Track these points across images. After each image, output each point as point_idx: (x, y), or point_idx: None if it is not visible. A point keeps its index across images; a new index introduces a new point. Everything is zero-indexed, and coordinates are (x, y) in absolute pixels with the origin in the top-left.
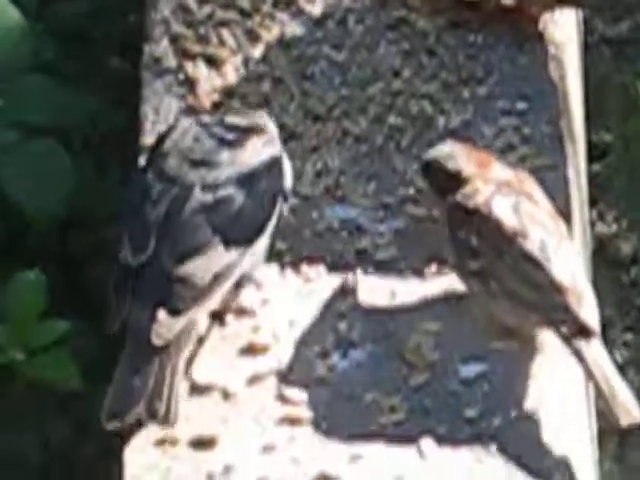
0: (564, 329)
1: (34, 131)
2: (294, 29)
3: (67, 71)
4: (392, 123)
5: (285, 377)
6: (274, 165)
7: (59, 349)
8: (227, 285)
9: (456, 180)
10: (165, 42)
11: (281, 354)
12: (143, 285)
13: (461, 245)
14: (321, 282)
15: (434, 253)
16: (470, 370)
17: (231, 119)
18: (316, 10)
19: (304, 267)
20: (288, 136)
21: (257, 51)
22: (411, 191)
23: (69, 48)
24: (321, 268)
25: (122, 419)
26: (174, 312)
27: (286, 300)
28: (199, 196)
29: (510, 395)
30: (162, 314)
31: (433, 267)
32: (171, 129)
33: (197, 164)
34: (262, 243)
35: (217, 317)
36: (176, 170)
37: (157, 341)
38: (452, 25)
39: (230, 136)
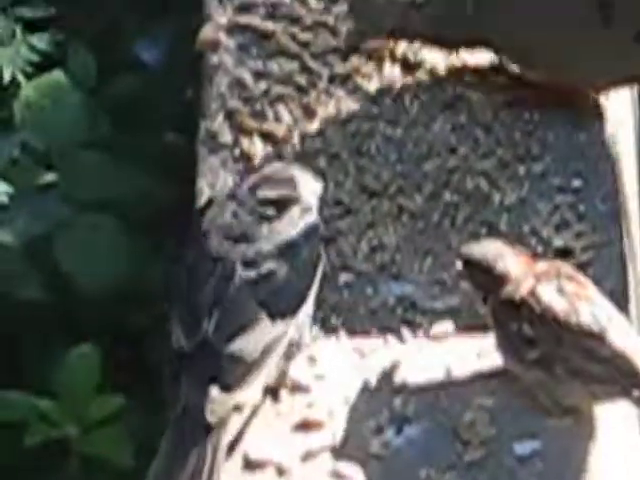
0: (637, 393)
1: (88, 206)
2: (350, 105)
3: (122, 146)
4: (447, 200)
5: (339, 453)
6: (312, 233)
7: (113, 425)
8: (276, 358)
9: (501, 280)
10: (221, 117)
11: (336, 430)
12: (196, 366)
13: (515, 338)
14: (376, 357)
15: (489, 329)
16: (525, 447)
17: (264, 192)
18: (372, 86)
19: (359, 342)
20: (344, 212)
21: (313, 127)
22: None
23: (124, 123)
24: (376, 343)
25: None
26: (226, 389)
27: (341, 376)
28: (242, 273)
29: (566, 473)
30: (215, 391)
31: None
32: (207, 206)
33: (237, 240)
34: (306, 310)
35: (271, 392)
36: (218, 248)
37: (211, 418)
38: (508, 102)
39: (267, 210)
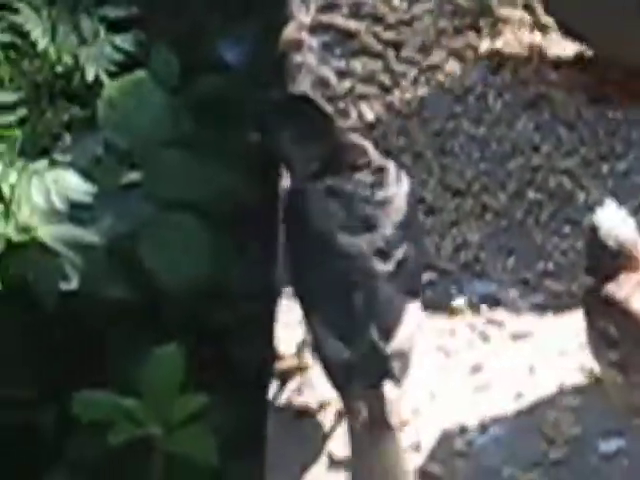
0: None
1: (171, 205)
2: (434, 104)
3: (205, 145)
4: (531, 198)
5: (424, 451)
6: (411, 200)
7: (197, 423)
8: (418, 335)
9: (613, 261)
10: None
11: (421, 428)
12: (363, 371)
13: (599, 334)
14: (461, 356)
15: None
16: (610, 445)
17: (358, 177)
18: (456, 85)
19: (444, 341)
20: (427, 210)
21: (396, 125)
22: (550, 266)
23: (207, 122)
24: (460, 342)
25: None
26: (397, 384)
27: (426, 374)
28: (380, 267)
29: None
30: (390, 391)
31: (573, 343)
32: (299, 204)
33: (361, 232)
34: None
35: None
36: (346, 247)
37: (395, 419)
38: (592, 100)
39: (374, 193)
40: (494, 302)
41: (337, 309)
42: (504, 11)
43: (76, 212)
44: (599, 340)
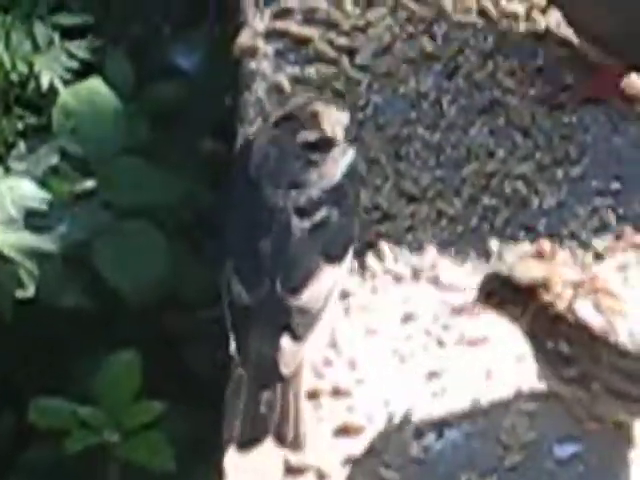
0: None
1: (128, 213)
2: (388, 110)
3: (160, 152)
4: (486, 203)
5: (380, 457)
6: (352, 172)
7: (153, 431)
8: (333, 300)
9: (532, 292)
10: (259, 123)
11: (376, 435)
12: (262, 319)
13: (552, 355)
14: (417, 361)
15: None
16: (565, 450)
17: (304, 136)
18: (410, 91)
19: (399, 346)
20: (382, 216)
21: (351, 131)
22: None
23: (163, 129)
24: (416, 348)
25: (253, 446)
26: (297, 340)
27: (381, 380)
28: (298, 223)
29: (606, 476)
30: (286, 343)
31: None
32: (247, 150)
33: (288, 187)
34: (351, 251)
35: (311, 397)
36: (270, 197)
37: (286, 370)
38: (546, 105)
39: (312, 155)
40: (450, 307)
41: (246, 254)
42: (459, 17)
43: (32, 220)
44: (552, 359)
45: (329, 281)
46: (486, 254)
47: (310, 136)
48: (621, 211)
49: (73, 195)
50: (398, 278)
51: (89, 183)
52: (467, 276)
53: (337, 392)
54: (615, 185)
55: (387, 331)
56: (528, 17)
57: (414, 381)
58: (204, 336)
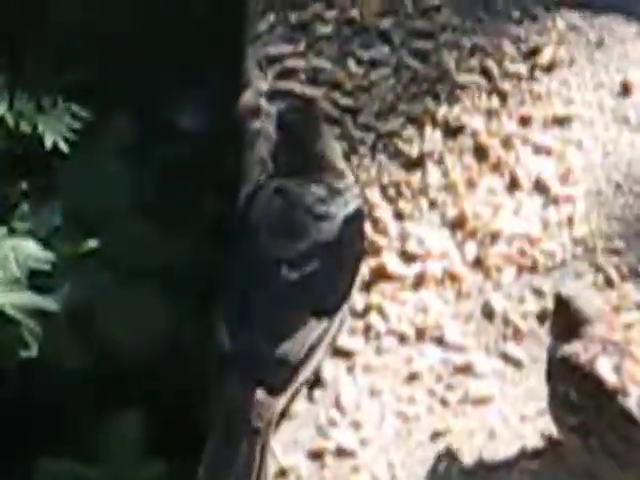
0: None
1: (131, 272)
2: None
3: (164, 211)
4: (490, 263)
5: None
6: (354, 223)
7: None
8: (319, 355)
9: (576, 327)
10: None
11: None
12: (240, 368)
13: (560, 398)
14: (420, 424)
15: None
16: None
17: (314, 189)
18: (414, 151)
19: (403, 407)
20: (386, 276)
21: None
22: (509, 332)
23: (167, 189)
24: (420, 408)
25: None
26: (272, 392)
27: (385, 440)
28: (287, 274)
29: None
30: (261, 394)
31: (532, 408)
32: (254, 197)
33: (284, 238)
34: (348, 303)
35: (316, 457)
36: (263, 246)
37: (257, 423)
38: None
39: (313, 208)
40: (454, 367)
41: (234, 302)
42: (462, 77)
43: (35, 280)
44: (559, 404)
45: (313, 335)
46: (490, 314)
47: (318, 190)
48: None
49: (77, 255)
50: (402, 338)
51: (92, 243)
52: (471, 336)
53: (341, 452)
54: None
55: (391, 391)
56: (532, 77)
57: (418, 441)
58: (209, 392)
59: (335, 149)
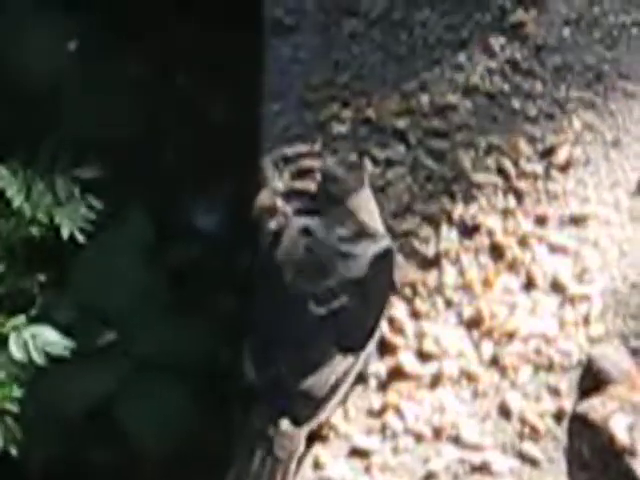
0: None
1: (148, 366)
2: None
3: (179, 309)
4: (506, 363)
5: None
6: (382, 263)
7: None
8: (344, 389)
9: (598, 386)
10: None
11: None
12: (266, 401)
13: (573, 454)
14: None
15: None
16: None
17: (340, 230)
18: (430, 250)
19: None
20: (402, 375)
21: None
22: (527, 430)
23: (183, 286)
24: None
25: None
26: (296, 423)
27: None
28: (314, 309)
29: None
30: (285, 425)
31: None
32: (278, 236)
33: (311, 276)
34: (374, 341)
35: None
36: (291, 284)
37: (281, 453)
38: None
39: (342, 246)
40: (471, 466)
41: (262, 337)
42: (478, 176)
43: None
44: (572, 460)
45: (339, 370)
46: (507, 413)
47: (344, 231)
48: None
49: (94, 348)
50: (419, 437)
51: (110, 336)
52: (488, 435)
53: None
54: None
55: None
56: (548, 176)
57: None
58: None
59: (372, 213)
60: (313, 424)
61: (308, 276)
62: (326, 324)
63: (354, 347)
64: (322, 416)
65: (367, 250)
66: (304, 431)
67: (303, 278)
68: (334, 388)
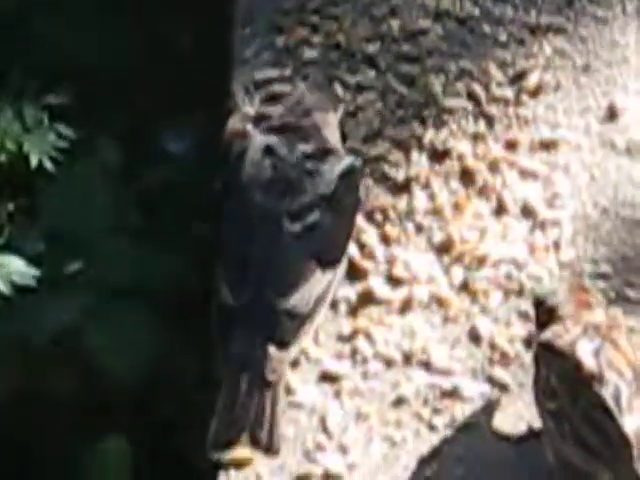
0: None
1: (118, 293)
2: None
3: (149, 235)
4: (478, 287)
5: None
6: (349, 177)
7: None
8: (325, 306)
9: (551, 316)
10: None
11: None
12: (248, 322)
13: (542, 382)
14: (406, 447)
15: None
16: None
17: (303, 146)
18: (400, 175)
19: (390, 431)
20: (373, 301)
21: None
22: (497, 355)
23: (152, 212)
24: (407, 433)
25: (226, 448)
26: (283, 345)
27: (372, 465)
28: (289, 226)
29: None
30: (273, 349)
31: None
32: (240, 158)
33: (280, 194)
34: (347, 256)
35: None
36: (262, 204)
37: (272, 377)
38: None
39: (308, 164)
40: (441, 391)
41: (235, 260)
42: (448, 101)
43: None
44: (541, 388)
45: (320, 285)
46: (477, 338)
47: (307, 148)
48: None
49: (62, 276)
50: (389, 362)
51: (78, 264)
52: (458, 360)
53: (328, 476)
54: None
55: (378, 415)
56: (518, 101)
57: (405, 466)
58: (197, 422)
59: (335, 133)
60: (299, 344)
61: (277, 194)
62: (302, 241)
63: (331, 262)
64: (306, 334)
65: (334, 167)
66: (290, 352)
67: (272, 196)
68: (316, 305)
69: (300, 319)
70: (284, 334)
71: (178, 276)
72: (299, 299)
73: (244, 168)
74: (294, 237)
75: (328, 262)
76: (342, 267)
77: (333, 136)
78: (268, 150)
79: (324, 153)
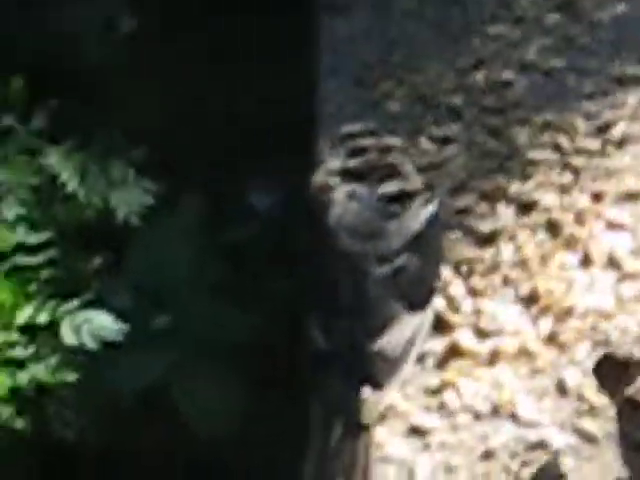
0: None
1: (203, 348)
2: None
3: (234, 290)
4: (563, 339)
5: None
6: (434, 222)
7: None
8: (417, 349)
9: (627, 371)
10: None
11: None
12: (342, 366)
13: (628, 440)
14: None
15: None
16: None
17: (385, 188)
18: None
19: None
20: (460, 354)
21: None
22: (585, 406)
23: (237, 267)
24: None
25: None
26: (376, 387)
27: None
28: (377, 270)
29: None
30: (367, 392)
31: None
32: (326, 210)
33: (367, 239)
34: (433, 307)
35: None
36: (349, 248)
37: (367, 420)
38: None
39: (391, 207)
40: (529, 443)
41: (326, 304)
42: (534, 153)
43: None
44: (625, 444)
45: (409, 328)
46: (564, 390)
47: (390, 189)
48: None
49: (148, 331)
50: (477, 415)
51: (164, 319)
52: (546, 412)
53: None
54: None
55: (467, 468)
56: (604, 152)
57: None
58: (280, 474)
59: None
60: (393, 387)
61: (362, 238)
62: (390, 283)
63: (420, 304)
64: (399, 377)
65: (419, 210)
66: (386, 395)
67: (357, 241)
68: (407, 347)
69: (392, 362)
70: (377, 376)
71: (260, 330)
72: (389, 342)
73: (329, 217)
74: (382, 280)
75: (416, 305)
76: (429, 313)
77: (413, 174)
78: (351, 196)
79: (407, 195)
